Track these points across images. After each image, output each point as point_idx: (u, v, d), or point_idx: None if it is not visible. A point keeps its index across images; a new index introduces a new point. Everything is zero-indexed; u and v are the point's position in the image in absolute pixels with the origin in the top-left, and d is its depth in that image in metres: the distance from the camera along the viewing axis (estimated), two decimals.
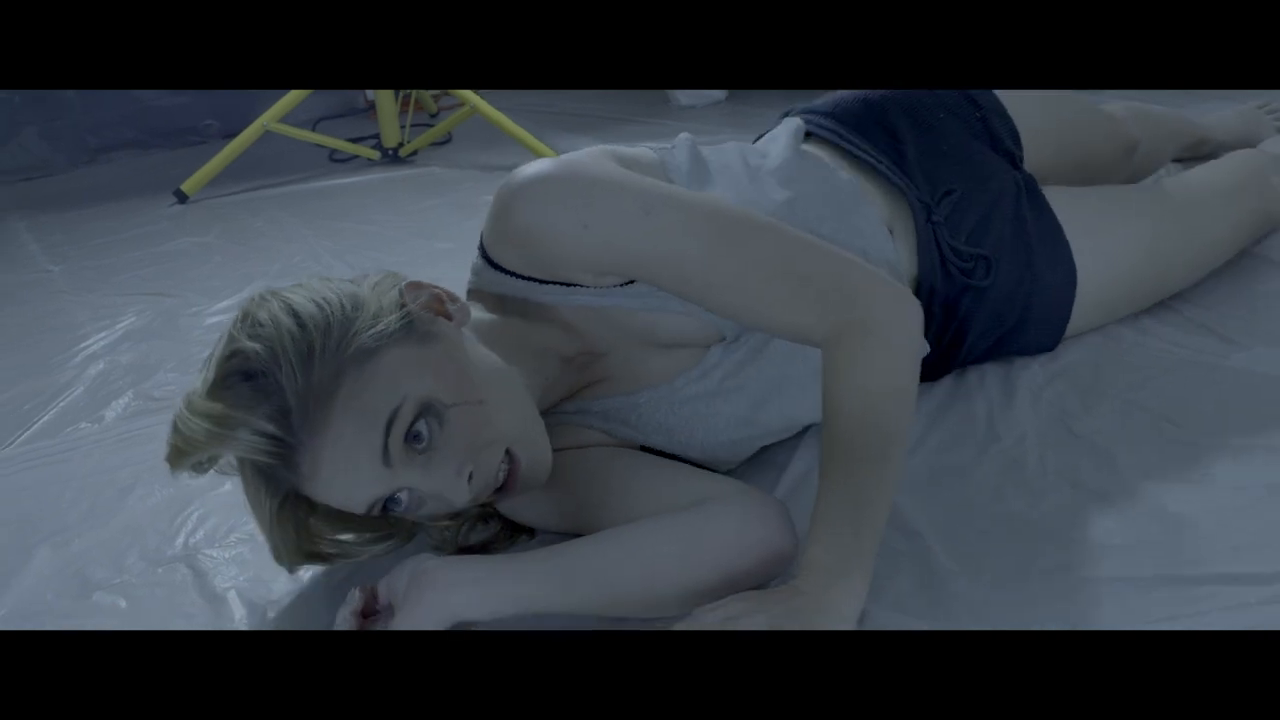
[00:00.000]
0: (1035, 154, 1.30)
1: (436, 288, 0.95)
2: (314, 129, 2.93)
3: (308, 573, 1.06)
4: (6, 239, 2.51)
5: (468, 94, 2.69)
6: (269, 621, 1.00)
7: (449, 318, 0.94)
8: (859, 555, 0.83)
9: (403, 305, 0.91)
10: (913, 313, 0.94)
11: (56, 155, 3.18)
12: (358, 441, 0.85)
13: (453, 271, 1.16)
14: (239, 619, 1.02)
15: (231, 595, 1.05)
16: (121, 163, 3.22)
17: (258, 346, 0.85)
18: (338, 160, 2.83)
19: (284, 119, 2.65)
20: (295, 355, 0.85)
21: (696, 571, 0.89)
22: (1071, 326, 1.25)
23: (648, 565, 0.89)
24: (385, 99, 2.74)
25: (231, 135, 2.76)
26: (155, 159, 3.20)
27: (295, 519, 0.90)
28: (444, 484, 0.88)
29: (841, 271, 0.94)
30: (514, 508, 1.04)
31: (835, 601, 0.81)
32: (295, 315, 0.87)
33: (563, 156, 0.98)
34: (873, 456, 0.86)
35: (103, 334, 1.79)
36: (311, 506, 0.90)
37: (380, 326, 0.88)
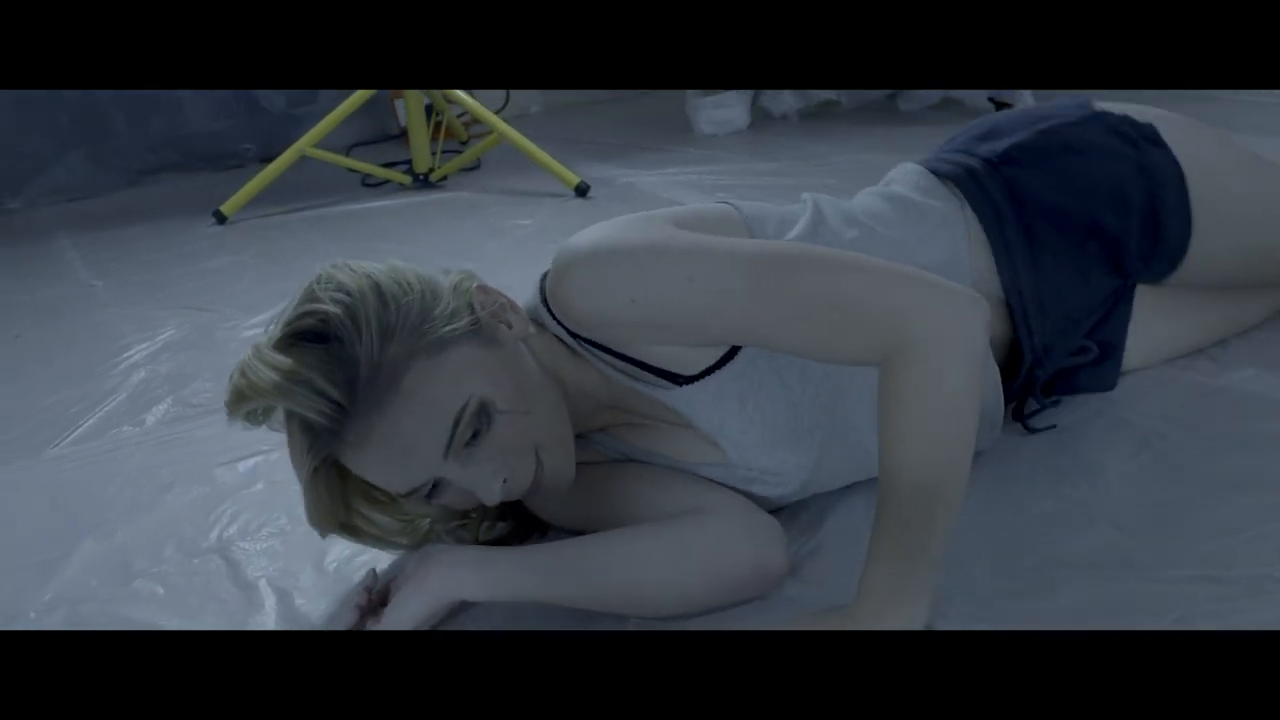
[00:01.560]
0: (1187, 275, 1.24)
1: (504, 296, 0.99)
2: (348, 154, 3.03)
3: (333, 563, 1.14)
4: (54, 256, 2.62)
5: (496, 121, 2.78)
6: (296, 608, 1.08)
7: (509, 327, 0.98)
8: (915, 582, 0.85)
9: (472, 306, 0.95)
10: (965, 323, 0.90)
11: (102, 177, 3.30)
12: (418, 429, 0.88)
13: None
14: (269, 606, 1.09)
15: (262, 584, 1.13)
16: (164, 185, 3.34)
17: (338, 311, 0.88)
18: (370, 185, 2.93)
19: (319, 144, 2.76)
20: (375, 328, 0.88)
21: (683, 578, 0.95)
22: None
23: (638, 568, 0.95)
24: (417, 126, 2.84)
25: (269, 159, 2.87)
26: (196, 182, 3.31)
27: (329, 484, 0.94)
28: (480, 482, 0.92)
29: (884, 291, 0.91)
30: (531, 502, 1.09)
31: (890, 628, 0.83)
32: (379, 290, 0.91)
33: (615, 225, 0.99)
34: (931, 482, 0.86)
35: (144, 345, 1.89)
36: (346, 475, 0.94)
37: (454, 323, 0.92)
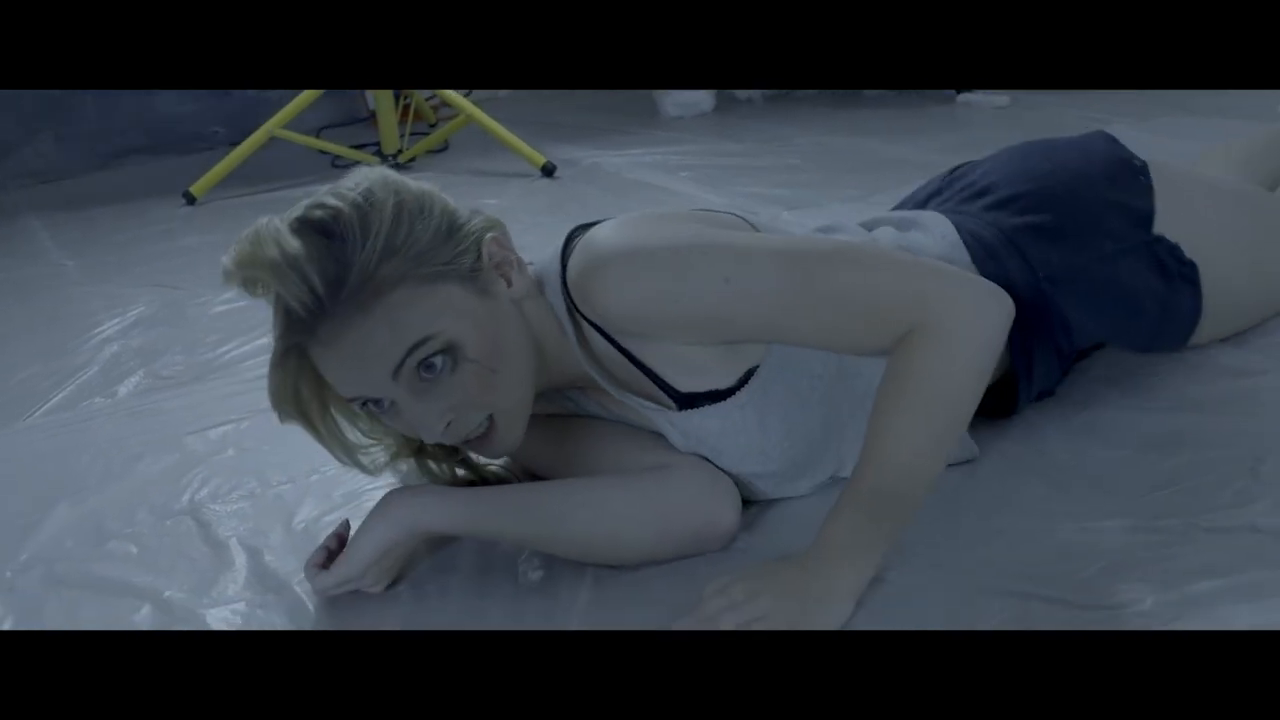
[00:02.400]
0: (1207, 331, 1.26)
1: (515, 254, 0.99)
2: (317, 136, 3.05)
3: (301, 523, 1.18)
4: (25, 237, 2.63)
5: (464, 103, 2.81)
6: (266, 565, 1.12)
7: (509, 284, 0.98)
8: (872, 542, 0.90)
9: (480, 253, 0.96)
10: (988, 315, 0.93)
11: (71, 160, 3.31)
12: (382, 345, 0.90)
13: None
14: (239, 563, 1.13)
15: (233, 542, 1.16)
16: (133, 167, 3.35)
17: (352, 214, 0.91)
18: (339, 166, 2.95)
19: (288, 126, 2.78)
20: (380, 243, 0.90)
21: (638, 529, 1.00)
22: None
23: (596, 515, 0.99)
24: (385, 108, 2.87)
25: (238, 141, 2.88)
26: (165, 164, 3.32)
27: (294, 369, 0.96)
28: (423, 417, 0.93)
29: (913, 279, 0.94)
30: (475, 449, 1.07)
31: (837, 582, 0.88)
32: (401, 208, 0.92)
33: (645, 222, 0.99)
34: (915, 456, 0.91)
35: (115, 320, 1.91)
36: (310, 367, 0.96)
37: (456, 262, 0.94)
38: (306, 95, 2.77)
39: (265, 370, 1.60)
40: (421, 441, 1.06)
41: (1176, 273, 1.19)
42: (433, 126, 3.31)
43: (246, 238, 0.91)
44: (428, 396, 0.93)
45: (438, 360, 0.92)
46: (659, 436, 1.08)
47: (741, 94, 3.30)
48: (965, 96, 2.89)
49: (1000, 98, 2.82)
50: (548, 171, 2.62)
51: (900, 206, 1.33)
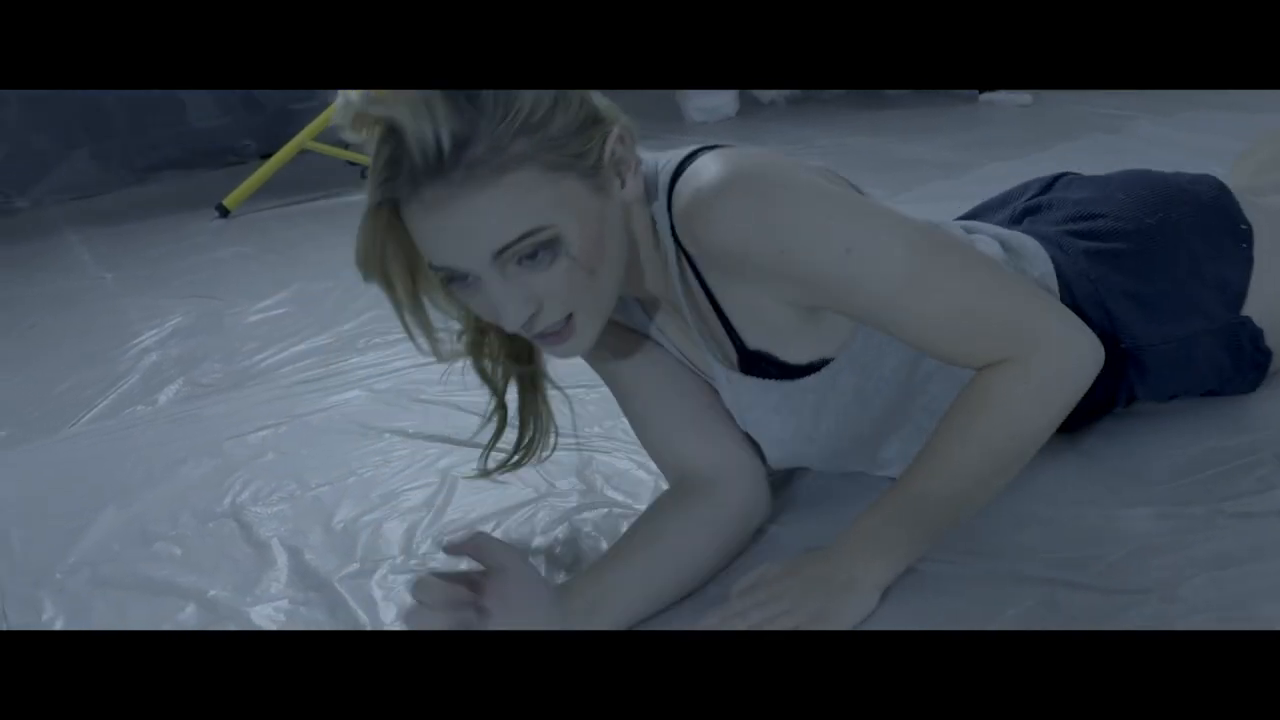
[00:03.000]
0: None
1: (635, 156, 0.93)
2: (347, 147, 3.09)
3: (340, 523, 1.21)
4: (63, 251, 2.69)
5: None
6: (306, 563, 1.15)
7: (623, 185, 0.93)
8: (902, 544, 0.91)
9: (604, 148, 0.90)
10: (1083, 370, 0.93)
11: (107, 175, 3.37)
12: (492, 224, 0.86)
13: None
14: (281, 563, 1.16)
15: (274, 543, 1.20)
16: (167, 181, 3.40)
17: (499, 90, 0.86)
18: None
19: (318, 138, 2.82)
20: (518, 122, 0.85)
21: (714, 566, 1.02)
22: None
23: (691, 575, 1.00)
24: None
25: (268, 154, 2.93)
26: (199, 178, 3.38)
27: (384, 227, 0.90)
28: (508, 303, 0.89)
29: (1022, 312, 0.92)
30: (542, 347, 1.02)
31: (861, 574, 0.89)
32: (546, 96, 0.87)
33: (769, 162, 0.94)
34: (969, 478, 0.91)
35: (154, 331, 1.96)
36: (401, 228, 0.90)
37: (583, 156, 0.88)
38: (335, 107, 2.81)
39: (302, 377, 1.66)
40: (483, 335, 1.03)
41: (1250, 360, 1.15)
42: None
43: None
44: (518, 282, 0.89)
45: (543, 254, 0.88)
46: (708, 398, 1.07)
47: (764, 97, 3.32)
48: (988, 95, 2.90)
49: (1023, 96, 2.83)
50: None
51: (989, 208, 1.29)
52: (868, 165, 2.45)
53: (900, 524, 0.92)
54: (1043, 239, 1.12)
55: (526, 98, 0.86)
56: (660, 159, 0.99)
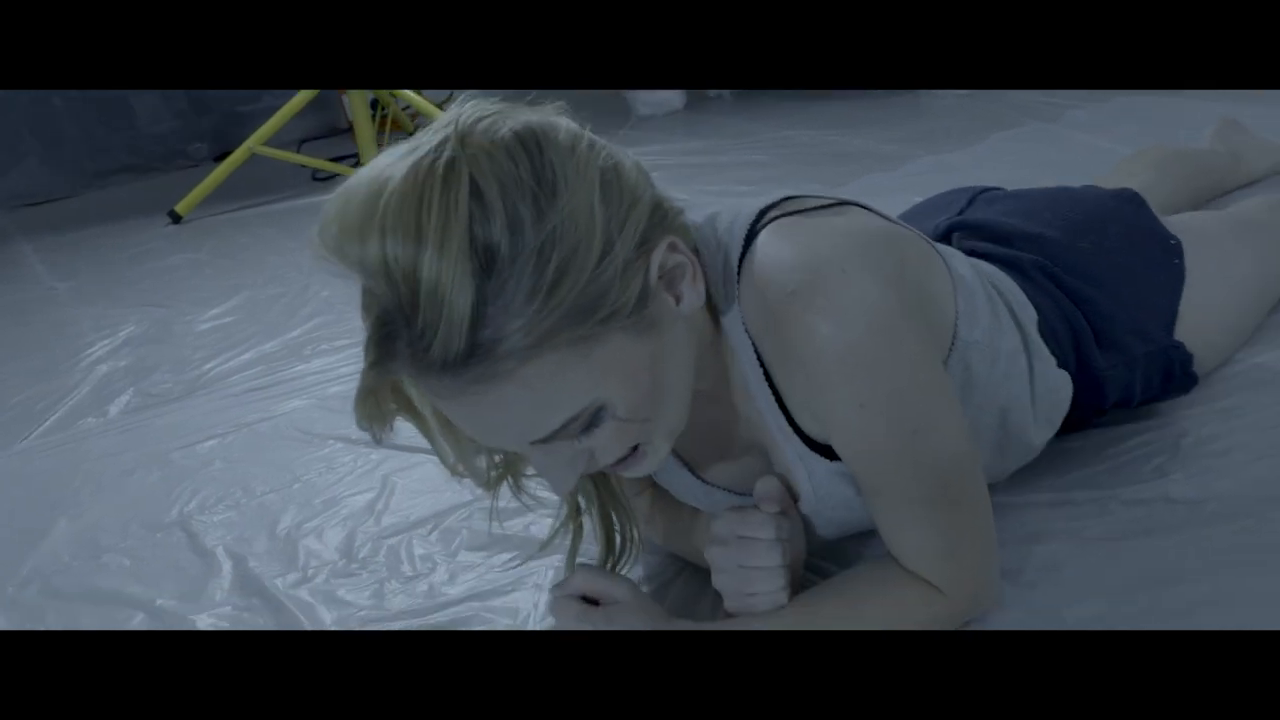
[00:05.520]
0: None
1: (690, 258, 0.78)
2: (297, 150, 3.12)
3: (284, 529, 1.26)
4: (14, 260, 2.70)
5: (438, 114, 2.88)
6: (250, 570, 1.19)
7: (677, 301, 0.78)
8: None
9: (649, 274, 0.75)
10: (973, 614, 0.91)
11: (57, 181, 3.38)
12: (519, 415, 0.73)
13: None
14: (226, 570, 1.20)
15: (219, 550, 1.24)
16: (118, 187, 3.41)
17: (530, 241, 0.68)
18: (320, 179, 3.02)
19: (268, 142, 2.84)
20: (542, 297, 0.69)
21: None
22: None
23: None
24: (363, 120, 2.93)
25: (220, 157, 2.95)
26: (150, 182, 3.39)
27: (389, 397, 0.77)
28: (555, 472, 0.79)
29: (982, 557, 0.89)
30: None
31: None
32: (578, 241, 0.69)
33: (880, 306, 0.80)
34: (856, 630, 0.87)
35: (105, 341, 1.98)
36: (403, 393, 0.78)
37: (622, 302, 0.72)
38: (286, 110, 2.84)
39: (250, 385, 1.70)
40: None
41: (1179, 383, 1.15)
42: (410, 135, 3.37)
43: (403, 205, 0.67)
44: (560, 452, 0.78)
45: (582, 426, 0.76)
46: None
47: (711, 91, 3.37)
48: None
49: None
50: None
51: (912, 221, 1.22)
52: (810, 158, 2.50)
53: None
54: (1010, 269, 1.08)
55: (553, 260, 0.68)
56: (717, 224, 0.87)
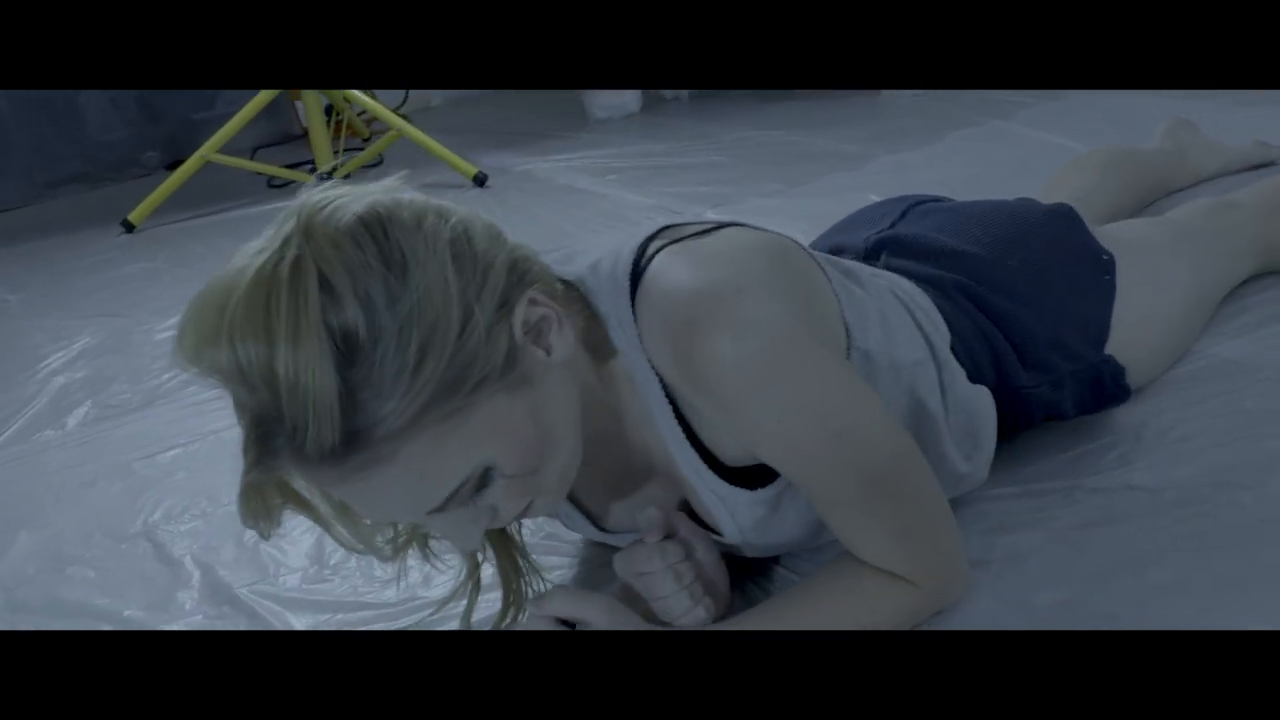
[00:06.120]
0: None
1: (554, 307, 0.78)
2: (252, 157, 3.09)
3: (252, 537, 1.24)
4: None
5: (392, 118, 2.87)
6: (219, 578, 1.18)
7: (548, 352, 0.78)
8: None
9: (514, 332, 0.75)
10: (943, 604, 0.92)
11: (7, 192, 3.32)
12: (404, 492, 0.74)
13: None
14: (195, 580, 1.19)
15: (187, 560, 1.23)
16: (70, 197, 3.37)
17: (387, 328, 0.69)
18: (275, 186, 3.00)
19: (222, 149, 2.82)
20: (406, 379, 0.69)
21: None
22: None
23: None
24: (318, 125, 2.91)
25: (173, 165, 2.92)
26: (102, 193, 3.34)
27: (275, 491, 0.76)
28: (458, 533, 0.80)
29: (941, 545, 0.90)
30: None
31: None
32: (435, 320, 0.70)
33: (780, 318, 0.82)
34: (819, 632, 0.87)
35: (61, 353, 1.96)
36: (289, 486, 0.77)
37: (488, 363, 0.73)
38: (240, 117, 2.81)
39: (210, 394, 1.68)
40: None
41: (1111, 396, 1.17)
42: (366, 141, 3.36)
43: (250, 308, 0.67)
44: (459, 515, 0.79)
45: (472, 489, 0.77)
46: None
47: (668, 93, 3.38)
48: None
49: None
50: (479, 181, 2.68)
51: (842, 232, 1.28)
52: (769, 159, 2.52)
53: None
54: (921, 281, 1.10)
55: (417, 328, 0.69)
56: (600, 269, 0.87)
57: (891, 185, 1.49)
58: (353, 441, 0.69)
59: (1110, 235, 1.25)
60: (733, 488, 0.89)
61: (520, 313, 0.76)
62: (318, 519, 0.81)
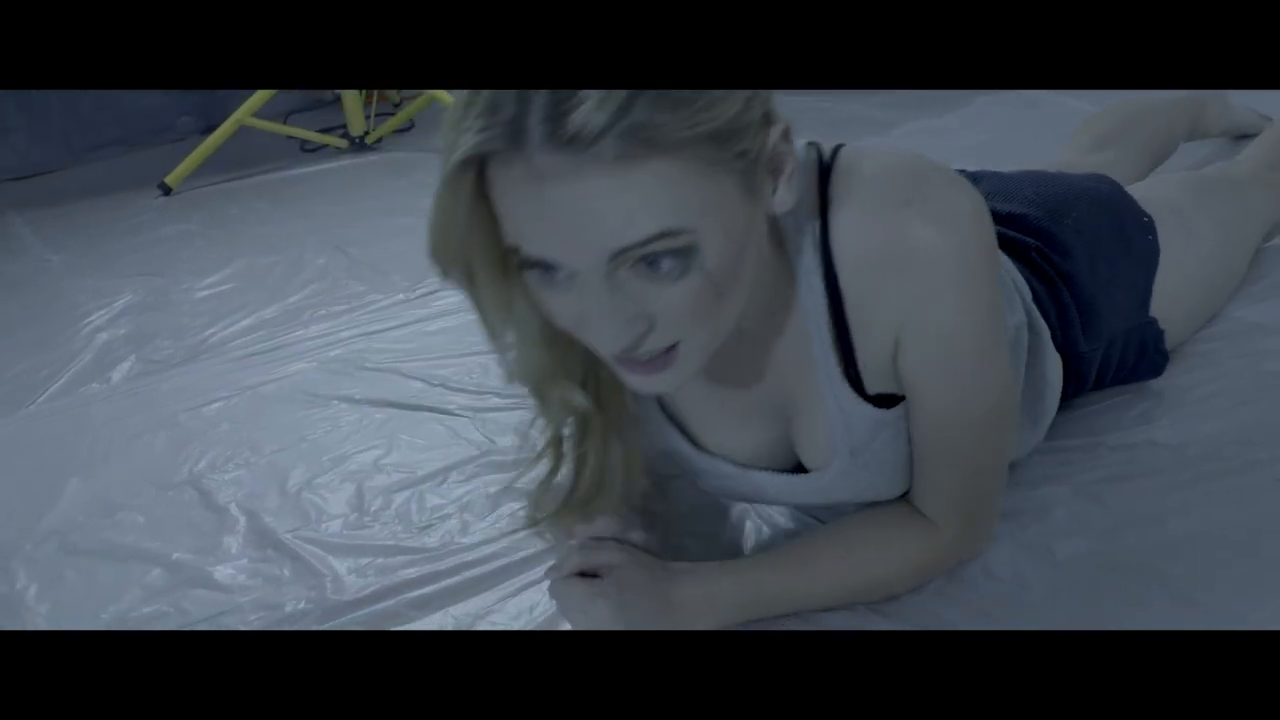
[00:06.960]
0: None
1: (794, 158, 0.76)
2: (285, 122, 3.12)
3: (295, 486, 1.29)
4: (8, 234, 2.71)
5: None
6: (265, 525, 1.22)
7: (773, 192, 0.76)
8: (737, 617, 0.91)
9: (764, 143, 0.73)
10: (967, 557, 0.96)
11: (46, 156, 3.37)
12: (620, 215, 0.68)
13: (412, 246, 1.36)
14: (240, 526, 1.23)
15: (233, 507, 1.27)
16: (108, 160, 3.41)
17: None
18: (309, 150, 3.03)
19: (257, 114, 2.85)
20: (681, 96, 0.67)
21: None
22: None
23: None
24: (350, 92, 2.94)
25: (207, 130, 2.95)
26: (138, 156, 3.38)
27: (469, 195, 0.71)
28: (611, 321, 0.73)
29: (988, 500, 0.94)
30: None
31: (683, 620, 0.90)
32: None
33: (978, 216, 0.83)
34: (830, 589, 0.93)
35: (103, 311, 2.00)
36: (487, 200, 0.72)
37: (749, 148, 0.71)
38: None
39: (251, 350, 1.72)
40: (562, 351, 0.83)
41: (1151, 360, 1.19)
42: (397, 106, 3.38)
43: None
44: (628, 295, 0.72)
45: (671, 262, 0.71)
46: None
47: None
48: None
49: None
50: None
51: None
52: (798, 124, 2.49)
53: (747, 601, 0.92)
54: (1007, 248, 1.09)
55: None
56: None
57: (925, 149, 1.48)
58: (612, 128, 0.65)
59: (1140, 197, 1.26)
60: (861, 401, 0.88)
61: (776, 131, 0.74)
62: (479, 294, 0.77)
